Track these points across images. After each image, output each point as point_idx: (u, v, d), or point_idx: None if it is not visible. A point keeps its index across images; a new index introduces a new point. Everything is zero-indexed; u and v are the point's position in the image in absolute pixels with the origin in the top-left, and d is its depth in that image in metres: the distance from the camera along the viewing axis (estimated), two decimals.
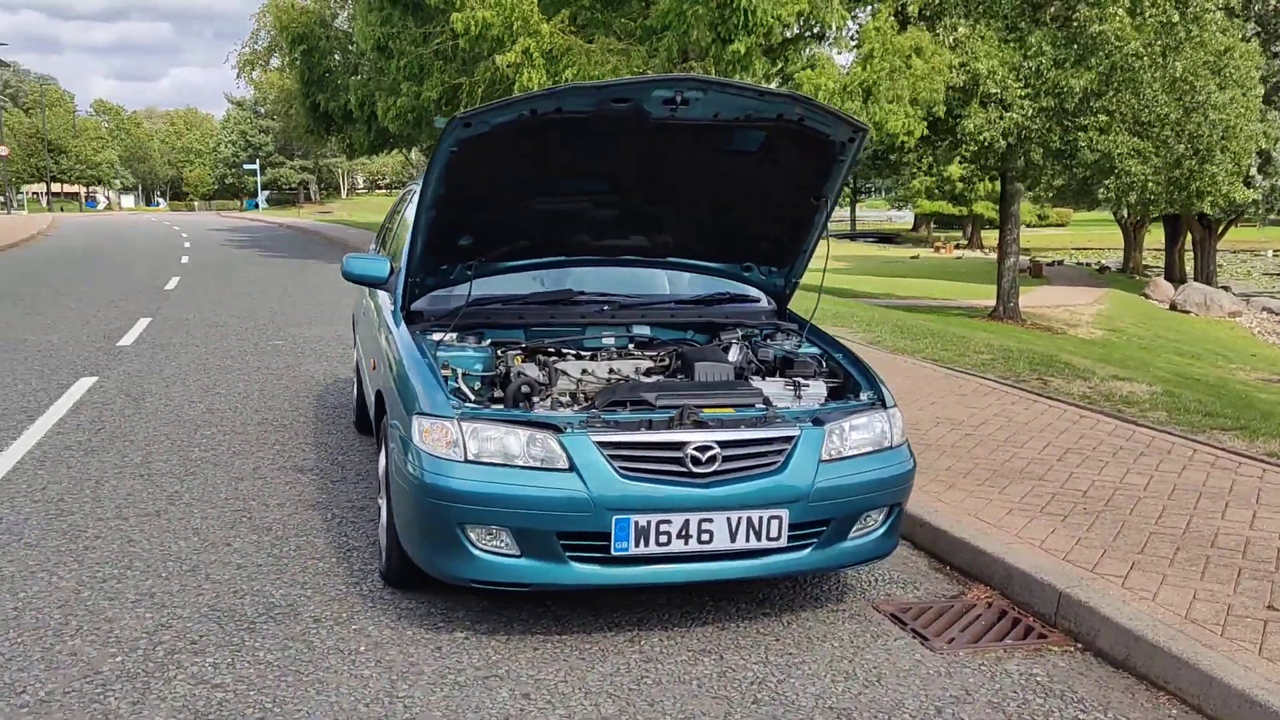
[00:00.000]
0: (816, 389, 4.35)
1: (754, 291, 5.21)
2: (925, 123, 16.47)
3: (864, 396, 4.29)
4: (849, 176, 4.55)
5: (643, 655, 3.75)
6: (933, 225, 61.87)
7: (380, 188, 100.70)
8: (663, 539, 3.68)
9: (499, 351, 4.57)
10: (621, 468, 3.68)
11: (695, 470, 3.72)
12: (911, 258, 44.92)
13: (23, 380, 8.50)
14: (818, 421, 3.96)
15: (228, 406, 7.62)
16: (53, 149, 77.40)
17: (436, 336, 4.43)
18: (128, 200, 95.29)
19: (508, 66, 15.43)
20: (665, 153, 4.31)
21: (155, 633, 3.83)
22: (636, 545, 3.66)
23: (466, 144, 3.95)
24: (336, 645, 3.75)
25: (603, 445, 3.69)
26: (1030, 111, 17.61)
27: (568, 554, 3.68)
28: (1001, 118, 17.59)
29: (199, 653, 3.68)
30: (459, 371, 4.19)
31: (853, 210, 73.21)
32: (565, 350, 4.69)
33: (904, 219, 73.81)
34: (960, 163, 22.59)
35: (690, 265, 5.03)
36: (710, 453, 3.73)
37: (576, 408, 4.01)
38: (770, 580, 4.25)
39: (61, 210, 73.67)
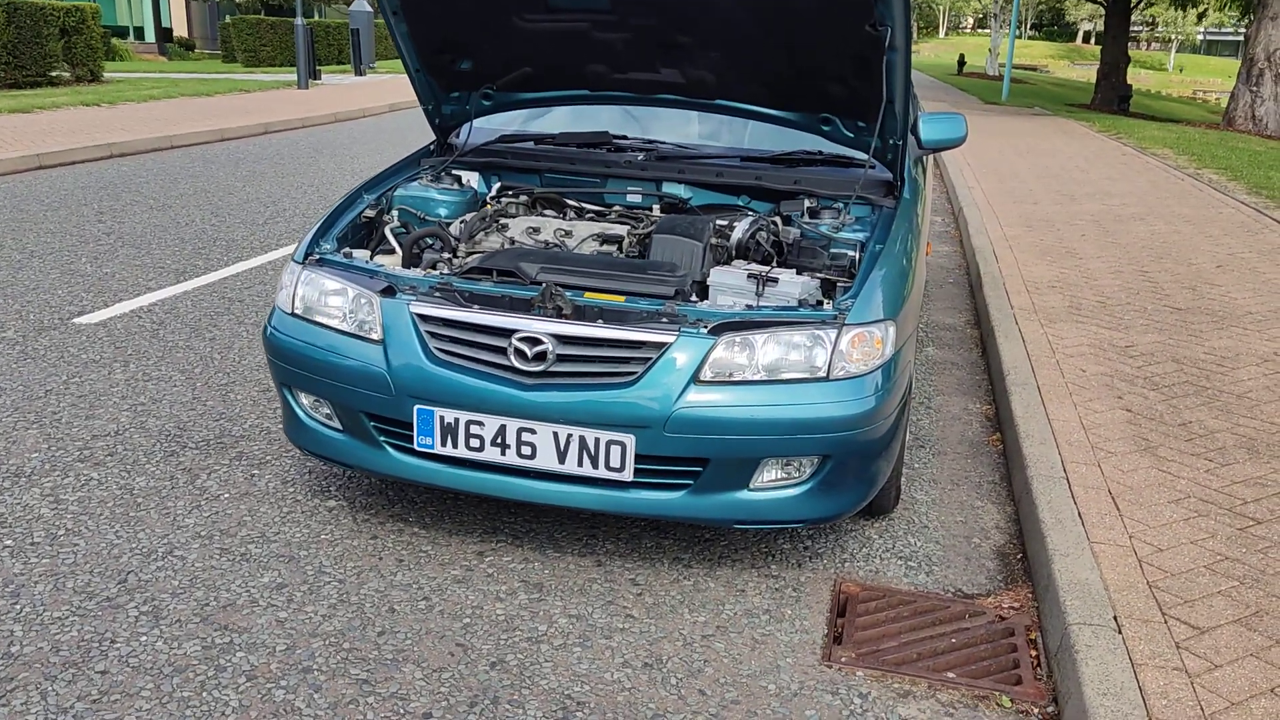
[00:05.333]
0: (789, 286, 3.24)
1: (859, 154, 4.00)
2: None
3: (829, 305, 3.11)
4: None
5: (486, 574, 3.15)
6: None
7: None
8: (474, 443, 2.99)
9: (490, 198, 4.01)
10: (437, 349, 3.01)
11: (517, 366, 2.95)
12: None
13: None
14: (718, 330, 2.93)
15: None
16: None
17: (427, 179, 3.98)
18: None
19: None
20: None
21: None
22: (443, 444, 3.01)
23: None
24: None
25: (421, 319, 3.04)
26: None
27: (383, 439, 3.15)
28: None
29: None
30: (416, 215, 3.74)
31: None
32: (572, 204, 3.99)
33: None
34: None
35: (755, 113, 3.95)
36: (539, 348, 2.93)
37: (446, 271, 3.37)
38: (639, 520, 3.34)
39: None
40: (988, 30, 65.90)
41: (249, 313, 5.63)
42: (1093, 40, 79.59)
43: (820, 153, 4.05)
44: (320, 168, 11.06)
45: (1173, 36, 77.16)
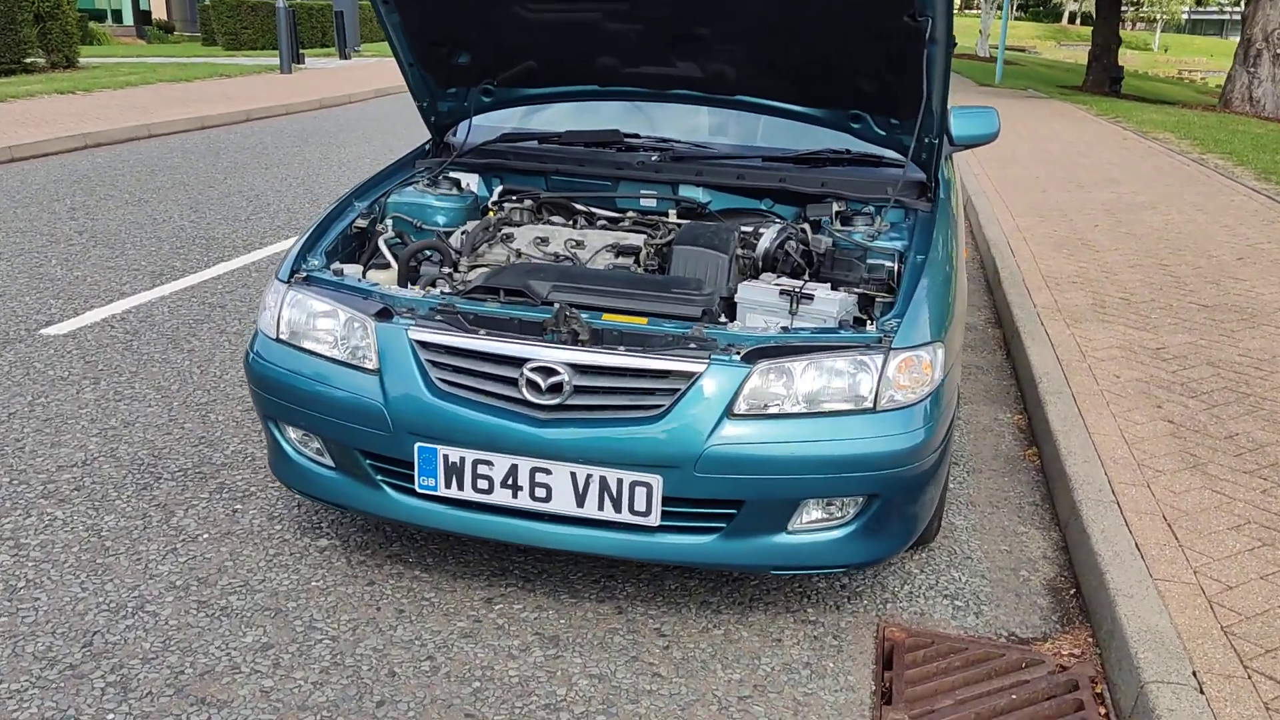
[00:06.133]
0: (826, 304, 2.94)
1: (891, 153, 3.70)
2: None
3: (873, 327, 2.81)
4: None
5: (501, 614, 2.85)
6: None
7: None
8: (482, 484, 2.68)
9: (492, 203, 3.70)
10: (440, 379, 2.71)
11: (530, 399, 2.64)
12: None
13: None
14: (752, 357, 2.63)
15: None
16: None
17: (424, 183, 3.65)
18: None
19: None
20: None
21: None
22: (448, 485, 2.71)
23: None
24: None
25: (421, 346, 2.73)
26: None
27: (380, 478, 2.84)
28: None
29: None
30: (412, 224, 3.44)
31: None
32: (581, 209, 3.68)
33: None
34: None
35: (778, 109, 3.64)
36: (554, 379, 2.62)
37: (447, 289, 3.06)
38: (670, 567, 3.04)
39: None
40: (977, 10, 65.53)
41: (231, 320, 5.30)
42: (1079, 21, 79.33)
43: (848, 151, 3.74)
44: (305, 158, 10.69)
45: (1158, 16, 76.90)
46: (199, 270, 6.20)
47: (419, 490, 2.74)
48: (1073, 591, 3.16)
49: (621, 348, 2.64)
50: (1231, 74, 19.08)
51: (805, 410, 2.61)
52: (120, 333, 5.03)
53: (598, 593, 3.00)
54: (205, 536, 3.21)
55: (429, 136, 4.03)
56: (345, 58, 25.38)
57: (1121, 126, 15.22)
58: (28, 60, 18.08)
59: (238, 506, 3.40)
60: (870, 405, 2.63)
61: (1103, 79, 25.23)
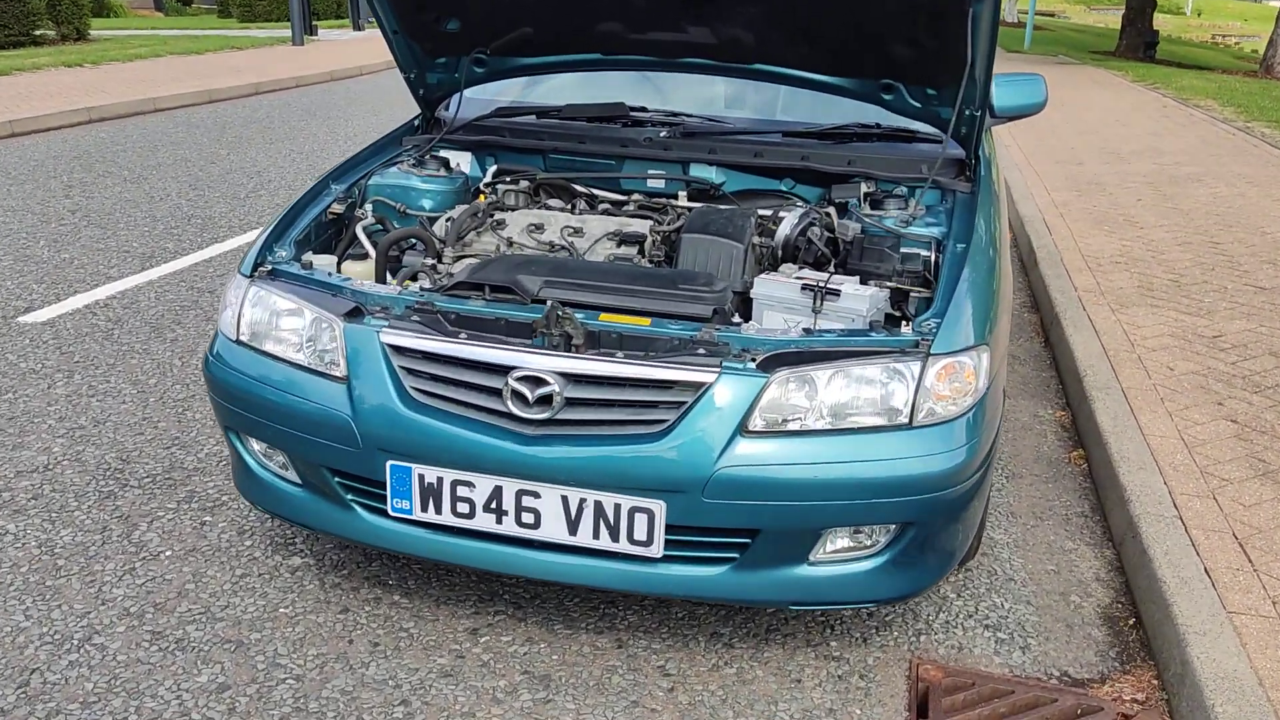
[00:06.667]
0: (855, 300, 2.59)
1: (927, 128, 3.33)
2: None
3: (909, 328, 2.46)
4: None
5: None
6: None
7: None
8: (462, 508, 2.37)
9: (484, 185, 3.37)
10: (414, 389, 2.38)
11: (516, 413, 2.31)
12: None
13: None
14: (769, 364, 2.29)
15: None
16: None
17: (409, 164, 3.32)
18: None
19: None
20: None
21: None
22: (424, 508, 2.39)
23: None
24: None
25: (394, 351, 2.41)
26: None
27: (351, 498, 2.53)
28: None
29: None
30: (394, 208, 3.12)
31: None
32: (581, 190, 3.35)
33: None
34: None
35: (801, 79, 3.27)
36: (543, 389, 2.29)
37: (428, 284, 2.73)
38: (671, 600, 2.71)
39: None
40: None
41: (218, 307, 4.99)
42: None
43: (878, 126, 3.38)
44: (311, 132, 10.37)
45: None
46: (191, 252, 5.90)
47: (393, 513, 2.43)
48: (1132, 622, 2.82)
49: (620, 354, 2.31)
50: (1273, 38, 18.40)
51: (831, 426, 2.27)
52: (102, 320, 4.74)
53: (596, 622, 2.69)
54: (168, 554, 2.92)
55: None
56: (359, 29, 24.98)
57: (1160, 93, 14.65)
58: (37, 33, 17.81)
59: (206, 519, 3.11)
60: (905, 420, 2.29)
61: (1137, 44, 24.47)
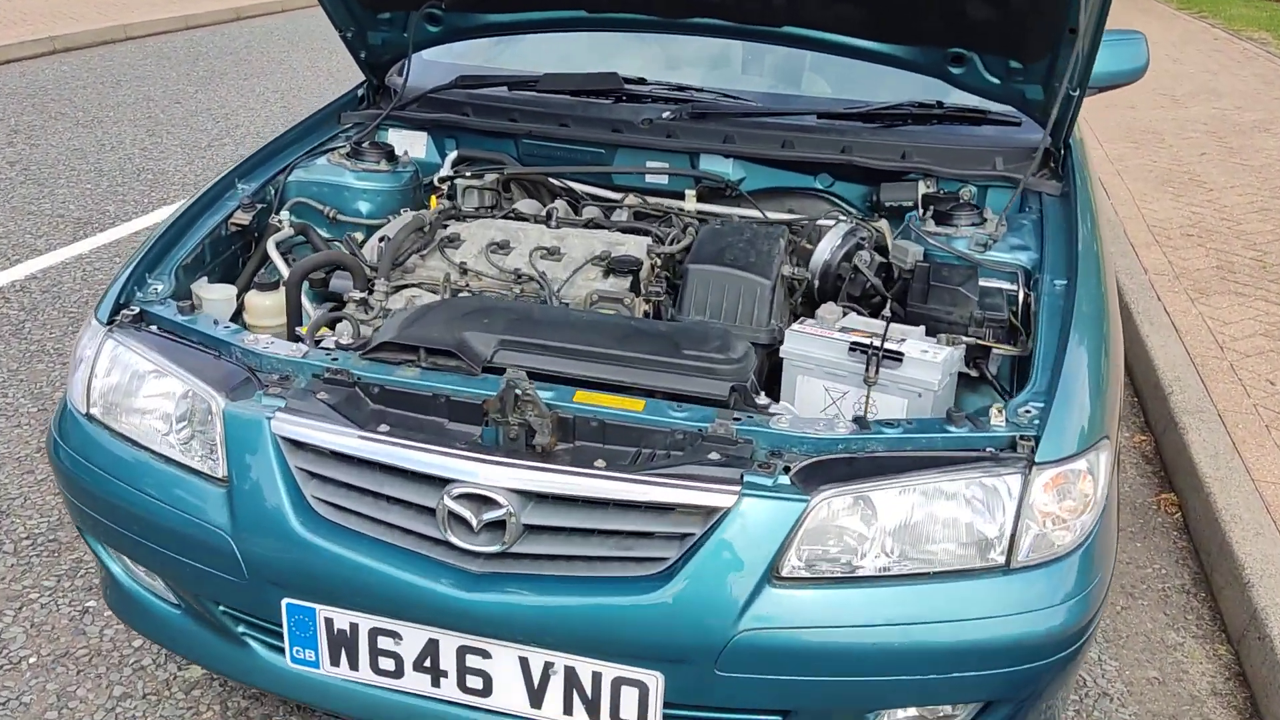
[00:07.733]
0: (923, 368, 1.90)
1: (1001, 108, 2.60)
2: None
3: (1000, 418, 1.75)
4: None
5: None
6: None
7: None
8: (386, 664, 1.72)
9: (441, 179, 2.66)
10: (317, 498, 1.72)
11: (455, 543, 1.65)
12: None
13: None
14: (811, 477, 1.62)
15: None
16: None
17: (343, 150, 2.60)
18: None
19: None
20: None
21: None
22: (335, 663, 1.75)
23: None
24: None
25: (291, 447, 1.74)
26: None
27: (244, 631, 1.89)
28: None
29: None
30: (322, 213, 2.43)
31: None
32: (559, 186, 2.65)
33: None
34: None
35: (844, 45, 2.53)
36: (493, 513, 1.63)
37: (346, 339, 2.04)
38: None
39: None
40: None
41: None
42: None
43: (939, 104, 2.65)
44: (291, 65, 9.55)
45: None
46: (132, 218, 5.19)
47: (290, 664, 1.78)
48: None
49: (600, 462, 1.64)
50: None
51: (894, 569, 1.61)
52: (15, 309, 4.07)
53: None
54: (32, 660, 2.30)
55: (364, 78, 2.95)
56: None
57: (1209, 23, 13.63)
58: None
59: (90, 603, 2.48)
60: (1001, 558, 1.63)
61: None
